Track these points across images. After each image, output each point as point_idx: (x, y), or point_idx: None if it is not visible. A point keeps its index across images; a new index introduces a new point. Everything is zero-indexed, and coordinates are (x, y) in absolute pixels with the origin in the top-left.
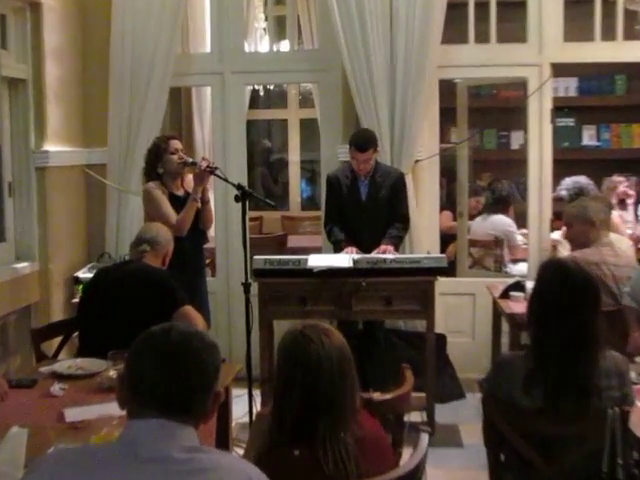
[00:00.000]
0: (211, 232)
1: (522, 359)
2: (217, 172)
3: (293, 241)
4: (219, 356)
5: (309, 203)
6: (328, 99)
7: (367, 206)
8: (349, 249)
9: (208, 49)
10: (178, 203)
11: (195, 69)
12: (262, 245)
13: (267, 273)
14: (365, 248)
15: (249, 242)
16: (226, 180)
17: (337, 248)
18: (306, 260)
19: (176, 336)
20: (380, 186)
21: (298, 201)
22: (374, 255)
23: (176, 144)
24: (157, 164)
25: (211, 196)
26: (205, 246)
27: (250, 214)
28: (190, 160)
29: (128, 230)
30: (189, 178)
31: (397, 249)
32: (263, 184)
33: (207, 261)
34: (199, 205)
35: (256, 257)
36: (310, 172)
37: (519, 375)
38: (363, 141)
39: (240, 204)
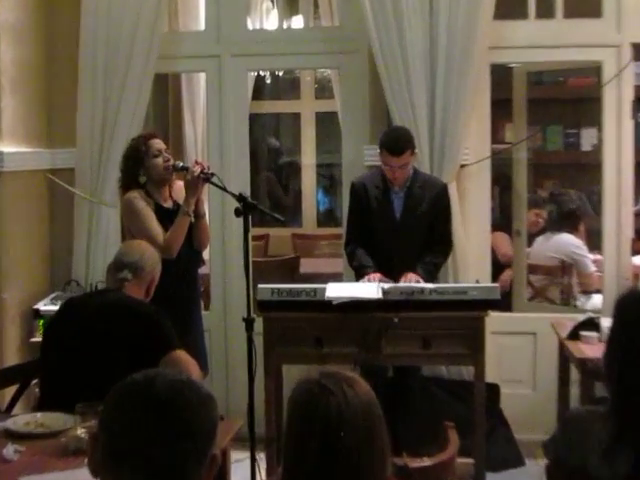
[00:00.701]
0: (205, 254)
1: (600, 417)
2: (213, 179)
3: (307, 266)
4: (216, 411)
5: (327, 218)
6: (351, 88)
7: (402, 225)
8: (372, 276)
9: (202, 26)
10: (166, 217)
11: (186, 51)
12: (268, 270)
13: (274, 306)
14: (396, 277)
15: (252, 267)
16: (224, 189)
17: (360, 275)
18: (323, 290)
19: (163, 386)
20: (419, 200)
21: (313, 215)
22: (409, 284)
23: (158, 144)
24: (138, 172)
25: (207, 209)
26: (200, 271)
27: (254, 231)
28: (180, 164)
29: (102, 251)
30: (179, 186)
31: (433, 279)
32: (270, 194)
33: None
34: (192, 220)
35: (261, 286)
36: (328, 179)
37: (596, 437)
38: (397, 142)
39: (241, 219)
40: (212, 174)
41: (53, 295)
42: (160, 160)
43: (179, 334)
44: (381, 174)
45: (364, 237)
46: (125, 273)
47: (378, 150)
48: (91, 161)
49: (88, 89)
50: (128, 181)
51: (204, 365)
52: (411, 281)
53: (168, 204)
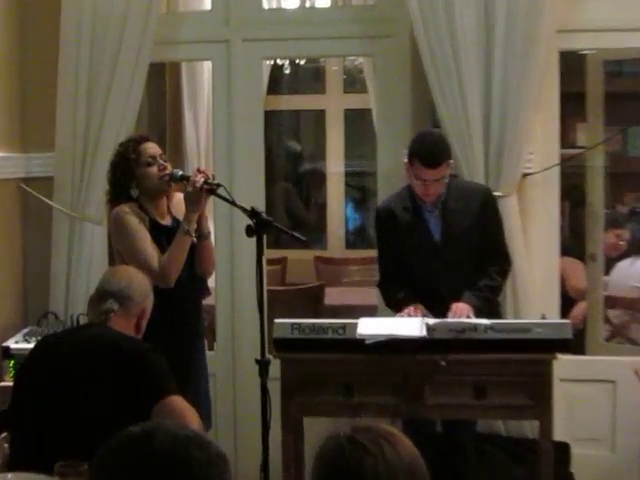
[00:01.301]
0: (210, 281)
1: None
2: (219, 191)
3: (333, 296)
4: (229, 474)
5: (357, 238)
6: (388, 80)
7: (443, 247)
8: (414, 309)
9: (207, 5)
10: (163, 236)
11: (187, 35)
12: (287, 302)
13: (295, 345)
14: (443, 310)
15: (267, 297)
16: (233, 203)
17: (398, 309)
18: (354, 326)
19: (166, 442)
20: (460, 214)
21: (341, 235)
22: (459, 319)
23: (152, 149)
24: (128, 183)
25: (211, 226)
26: (204, 303)
27: (269, 254)
28: (179, 173)
29: (84, 278)
30: (178, 199)
31: (492, 307)
32: (288, 209)
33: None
34: (194, 240)
35: (278, 320)
36: (360, 190)
37: None
38: (433, 151)
39: (254, 239)
40: (218, 185)
41: (26, 330)
42: (154, 169)
43: (177, 378)
44: (410, 192)
45: (402, 271)
46: (110, 303)
47: (405, 160)
48: (73, 168)
49: (69, 82)
50: (117, 194)
51: (207, 416)
52: (462, 315)
53: (166, 221)
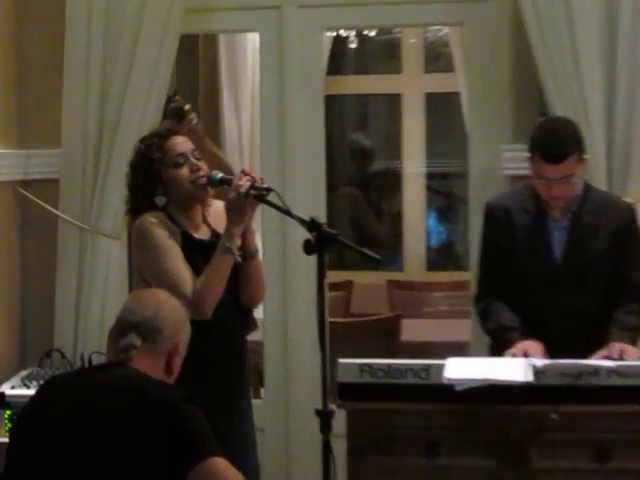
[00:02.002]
0: (258, 312)
1: None
2: (269, 197)
3: (413, 330)
4: None
5: (443, 257)
6: (483, 57)
7: (565, 269)
8: (520, 346)
9: None
10: (198, 254)
11: (227, 1)
12: (354, 337)
13: (365, 392)
14: (556, 346)
15: (329, 331)
16: (287, 212)
17: (500, 343)
18: (441, 368)
19: None
20: (592, 232)
21: (421, 253)
22: (575, 361)
23: (181, 145)
24: (153, 190)
25: (259, 242)
26: (249, 338)
27: (331, 277)
28: (218, 175)
29: (98, 306)
30: (217, 208)
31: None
32: (355, 220)
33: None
34: (237, 260)
35: (343, 361)
36: (445, 196)
37: None
38: (556, 142)
39: (313, 258)
40: (268, 189)
41: (25, 373)
42: (185, 170)
43: (217, 434)
44: (532, 192)
45: (507, 287)
46: (131, 338)
47: (527, 154)
48: (83, 169)
49: (79, 60)
50: (138, 202)
51: None
52: (621, 355)
53: (201, 234)
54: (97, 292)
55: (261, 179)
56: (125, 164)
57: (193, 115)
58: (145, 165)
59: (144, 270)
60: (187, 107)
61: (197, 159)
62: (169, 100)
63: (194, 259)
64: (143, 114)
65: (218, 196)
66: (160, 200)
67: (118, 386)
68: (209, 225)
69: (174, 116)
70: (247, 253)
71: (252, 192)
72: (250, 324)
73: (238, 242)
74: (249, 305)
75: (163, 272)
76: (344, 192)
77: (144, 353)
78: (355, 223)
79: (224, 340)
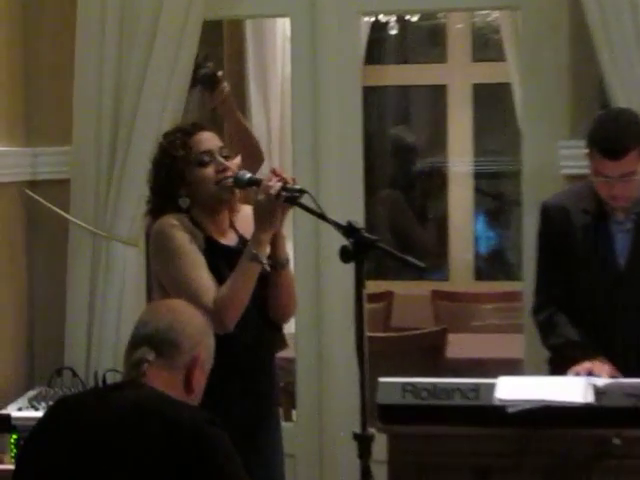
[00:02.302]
0: (289, 326)
1: None
2: (302, 200)
3: (460, 346)
4: None
5: (493, 265)
6: (538, 44)
7: (629, 275)
8: (589, 366)
9: None
10: (223, 261)
11: None
12: (395, 354)
13: (407, 414)
14: (619, 363)
15: (368, 346)
16: (322, 216)
17: (563, 360)
18: (491, 387)
19: None
20: None
21: (469, 261)
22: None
23: (207, 141)
24: (176, 191)
25: (290, 250)
26: (279, 356)
27: (369, 287)
28: (246, 176)
29: (113, 320)
30: (245, 213)
31: None
32: (396, 224)
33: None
34: (266, 268)
35: (383, 380)
36: (496, 198)
37: None
38: (617, 137)
39: (351, 266)
40: (300, 191)
41: (33, 393)
42: (210, 170)
43: (244, 460)
44: (592, 192)
45: (566, 295)
46: (143, 351)
47: (585, 150)
48: (97, 168)
49: (92, 49)
50: (161, 204)
51: None
52: None
53: (228, 239)
54: (112, 304)
55: (293, 180)
56: (143, 162)
57: (226, 83)
58: (167, 163)
59: (162, 277)
60: (220, 73)
61: (225, 157)
62: (198, 67)
63: (218, 267)
64: (162, 107)
65: (246, 200)
66: (184, 202)
67: (132, 408)
68: (237, 231)
69: (205, 84)
70: (277, 262)
71: (283, 194)
72: (279, 342)
73: (267, 249)
74: (278, 320)
75: (182, 279)
76: (384, 194)
77: (159, 368)
78: (396, 228)
79: (249, 357)
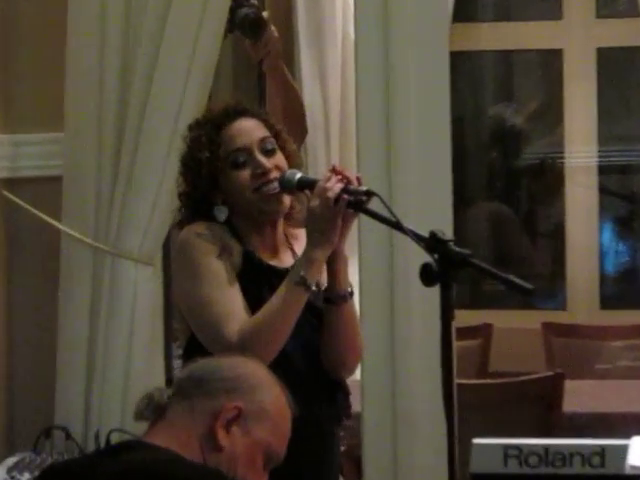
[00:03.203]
0: (356, 374)
1: None
2: (369, 205)
3: (580, 395)
4: None
5: (624, 290)
6: None
7: None
8: None
9: None
10: (266, 285)
11: None
12: (494, 405)
13: None
14: None
15: (458, 395)
16: (397, 225)
17: None
18: (622, 451)
19: None
20: None
21: (593, 284)
22: None
23: (245, 134)
24: (209, 198)
25: (354, 273)
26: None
27: (461, 317)
28: (295, 177)
29: (119, 363)
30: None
31: None
32: (497, 237)
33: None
34: (317, 302)
35: (479, 440)
36: (628, 201)
37: None
38: None
39: (436, 290)
40: (367, 194)
41: (13, 461)
42: (247, 174)
43: None
44: None
45: None
46: (153, 391)
47: None
48: (97, 163)
49: (90, 9)
50: (192, 216)
51: None
52: None
53: (280, 260)
54: (118, 341)
55: (358, 179)
56: (159, 154)
57: (274, 28)
58: (193, 166)
59: (179, 300)
60: (266, 14)
61: (269, 152)
62: (237, 7)
63: (259, 292)
64: (186, 75)
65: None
66: (220, 211)
67: (139, 475)
68: (294, 251)
69: (246, 29)
70: (335, 294)
71: (345, 197)
72: (339, 408)
73: (319, 273)
74: (336, 373)
75: (200, 301)
76: (480, 208)
77: (175, 414)
78: (496, 242)
79: (295, 437)
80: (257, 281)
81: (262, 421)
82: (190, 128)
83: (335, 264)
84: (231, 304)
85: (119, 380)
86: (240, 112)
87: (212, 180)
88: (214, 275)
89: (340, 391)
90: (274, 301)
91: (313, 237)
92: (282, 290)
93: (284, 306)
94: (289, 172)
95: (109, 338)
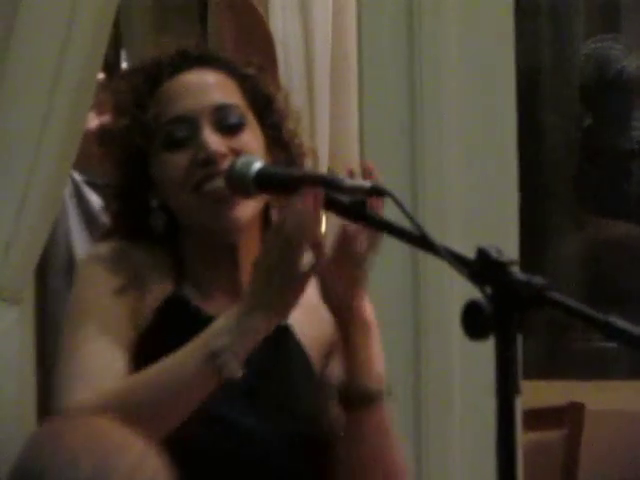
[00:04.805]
0: None
1: None
2: (372, 212)
3: None
4: None
5: None
6: None
7: None
8: None
9: None
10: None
11: None
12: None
13: None
14: None
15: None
16: (423, 242)
17: None
18: None
19: None
20: None
21: None
22: None
23: (194, 92)
24: (142, 193)
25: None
26: None
27: (536, 392)
28: (253, 166)
29: None
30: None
31: None
32: (597, 263)
33: None
34: (233, 376)
35: None
36: None
37: None
38: None
39: (490, 345)
40: (374, 192)
41: None
42: (184, 158)
43: None
44: None
45: None
46: None
47: None
48: None
49: None
50: (117, 221)
51: None
52: None
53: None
54: None
55: (367, 170)
56: (25, 134)
57: None
58: (108, 142)
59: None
60: None
61: (227, 128)
62: None
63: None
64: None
65: None
66: (156, 220)
67: None
68: None
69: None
70: (354, 391)
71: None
72: None
73: (254, 342)
74: None
75: (66, 347)
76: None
77: None
78: (597, 271)
79: None
80: (185, 334)
81: None
82: (115, 79)
83: (354, 339)
84: (102, 361)
85: None
86: (196, 59)
87: (138, 167)
88: (96, 318)
89: None
90: (167, 366)
91: (261, 290)
92: (186, 354)
93: (170, 384)
94: (243, 159)
95: None
